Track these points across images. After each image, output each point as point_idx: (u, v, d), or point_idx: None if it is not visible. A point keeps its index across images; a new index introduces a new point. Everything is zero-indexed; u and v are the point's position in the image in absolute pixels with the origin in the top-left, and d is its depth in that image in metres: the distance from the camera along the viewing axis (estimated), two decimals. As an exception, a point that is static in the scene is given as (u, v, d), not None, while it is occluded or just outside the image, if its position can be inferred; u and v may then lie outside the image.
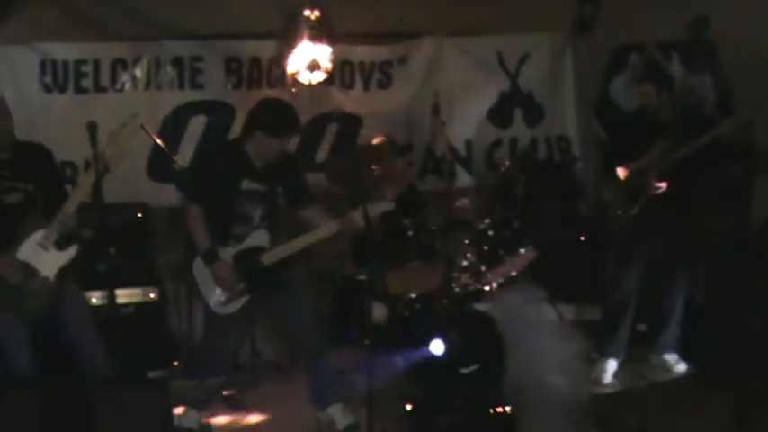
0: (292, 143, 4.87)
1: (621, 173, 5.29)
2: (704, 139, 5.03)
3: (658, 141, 5.15)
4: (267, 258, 4.49)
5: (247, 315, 4.71)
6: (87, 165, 4.44)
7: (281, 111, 4.56)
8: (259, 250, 4.50)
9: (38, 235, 4.31)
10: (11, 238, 4.29)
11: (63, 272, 4.38)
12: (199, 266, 4.50)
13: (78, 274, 4.59)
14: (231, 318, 4.54)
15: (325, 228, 4.54)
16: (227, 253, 4.48)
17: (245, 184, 4.49)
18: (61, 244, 4.37)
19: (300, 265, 4.90)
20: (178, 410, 4.60)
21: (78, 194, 4.36)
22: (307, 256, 5.10)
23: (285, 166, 4.62)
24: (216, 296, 4.48)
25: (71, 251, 4.40)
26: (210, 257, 4.43)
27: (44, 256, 4.32)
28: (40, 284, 4.28)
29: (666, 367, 5.44)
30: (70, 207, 4.34)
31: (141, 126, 4.83)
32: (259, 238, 4.52)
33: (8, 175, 4.38)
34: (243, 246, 4.50)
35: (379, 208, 4.51)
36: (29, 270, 4.27)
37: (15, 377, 4.30)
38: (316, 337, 4.68)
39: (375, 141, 5.70)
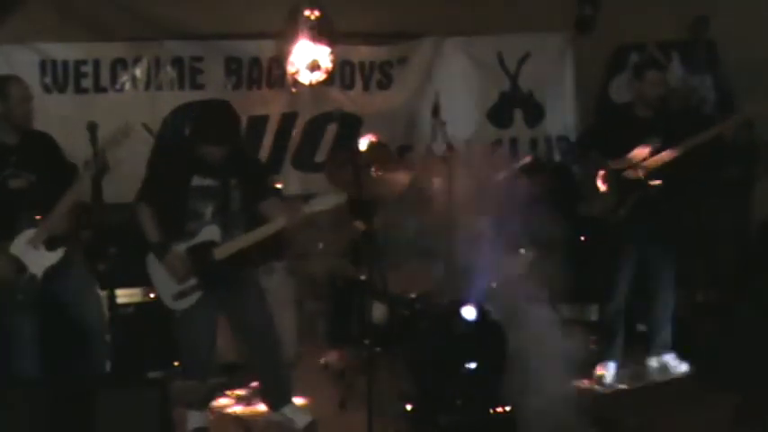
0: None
1: (602, 174, 5.27)
2: (698, 140, 5.01)
3: (650, 139, 5.13)
4: (218, 253, 4.45)
5: (210, 313, 4.65)
6: (87, 165, 4.47)
7: (212, 119, 4.55)
8: (210, 245, 4.47)
9: (28, 233, 4.41)
10: (11, 224, 4.40)
11: (54, 270, 4.47)
12: (152, 261, 4.51)
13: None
14: (194, 315, 4.52)
15: (274, 223, 4.48)
16: (180, 248, 4.47)
17: (196, 181, 4.47)
18: (50, 244, 4.47)
19: (256, 263, 4.88)
20: (182, 414, 4.63)
21: (70, 196, 4.43)
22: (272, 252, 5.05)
23: (239, 159, 4.57)
24: (169, 290, 4.48)
25: (59, 253, 4.50)
26: (161, 249, 4.44)
27: (33, 255, 4.42)
28: (26, 281, 4.38)
29: (666, 368, 5.43)
30: (61, 208, 4.42)
31: (144, 125, 4.84)
32: (210, 232, 4.48)
33: (14, 160, 4.46)
34: (194, 241, 4.47)
35: (330, 201, 4.49)
36: (19, 266, 4.37)
37: (21, 377, 4.42)
38: (272, 336, 4.70)
39: (368, 143, 5.70)
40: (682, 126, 5.19)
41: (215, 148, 4.41)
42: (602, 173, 5.22)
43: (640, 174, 5.09)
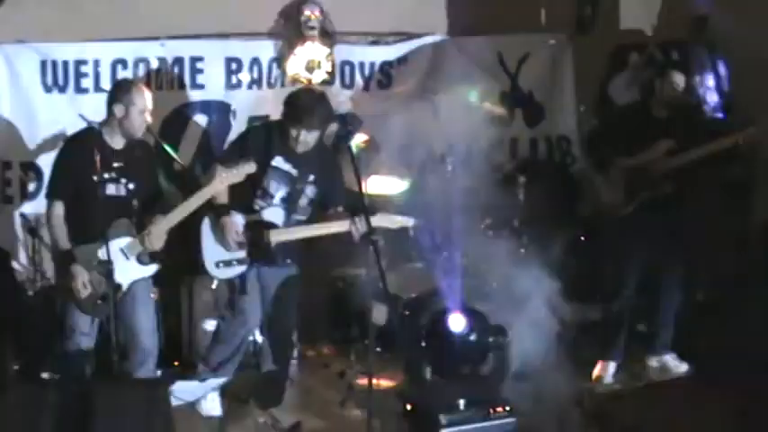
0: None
1: (611, 172, 5.25)
2: (718, 145, 5.00)
3: (662, 140, 5.12)
4: (274, 235, 4.52)
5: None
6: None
7: (304, 102, 4.57)
8: (269, 225, 4.53)
9: (122, 240, 4.32)
10: (99, 227, 4.23)
11: (137, 283, 4.39)
12: (207, 224, 4.55)
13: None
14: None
15: (335, 224, 4.56)
16: (240, 219, 4.54)
17: (278, 162, 4.56)
18: (143, 258, 4.37)
19: (299, 265, 4.90)
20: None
21: (173, 217, 4.36)
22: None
23: (325, 160, 4.70)
24: (215, 256, 4.52)
25: (151, 268, 4.41)
26: (222, 210, 4.49)
27: (122, 264, 4.30)
28: (109, 287, 4.24)
29: (666, 368, 5.43)
30: (162, 226, 4.34)
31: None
32: (273, 214, 4.58)
33: (116, 165, 4.37)
34: (255, 217, 4.56)
35: (396, 221, 4.53)
36: (106, 270, 4.22)
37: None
38: (291, 337, 4.80)
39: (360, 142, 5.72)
40: (693, 128, 5.20)
41: (306, 133, 4.47)
42: (611, 171, 5.24)
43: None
